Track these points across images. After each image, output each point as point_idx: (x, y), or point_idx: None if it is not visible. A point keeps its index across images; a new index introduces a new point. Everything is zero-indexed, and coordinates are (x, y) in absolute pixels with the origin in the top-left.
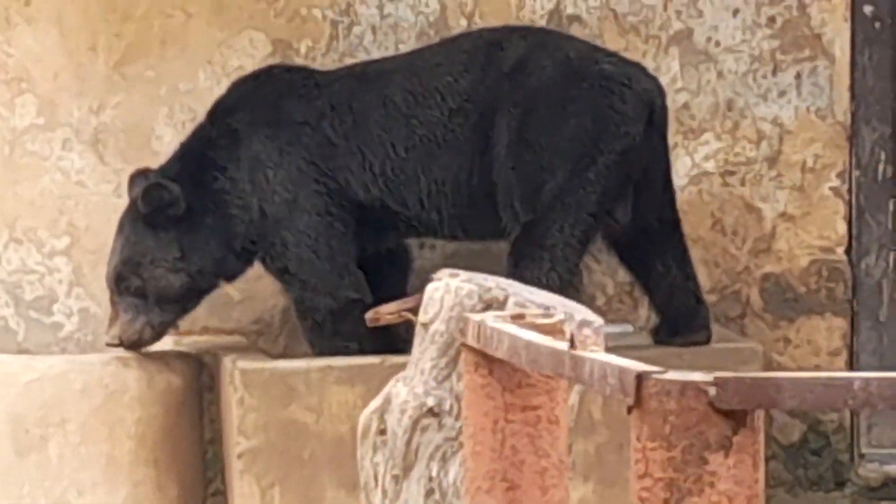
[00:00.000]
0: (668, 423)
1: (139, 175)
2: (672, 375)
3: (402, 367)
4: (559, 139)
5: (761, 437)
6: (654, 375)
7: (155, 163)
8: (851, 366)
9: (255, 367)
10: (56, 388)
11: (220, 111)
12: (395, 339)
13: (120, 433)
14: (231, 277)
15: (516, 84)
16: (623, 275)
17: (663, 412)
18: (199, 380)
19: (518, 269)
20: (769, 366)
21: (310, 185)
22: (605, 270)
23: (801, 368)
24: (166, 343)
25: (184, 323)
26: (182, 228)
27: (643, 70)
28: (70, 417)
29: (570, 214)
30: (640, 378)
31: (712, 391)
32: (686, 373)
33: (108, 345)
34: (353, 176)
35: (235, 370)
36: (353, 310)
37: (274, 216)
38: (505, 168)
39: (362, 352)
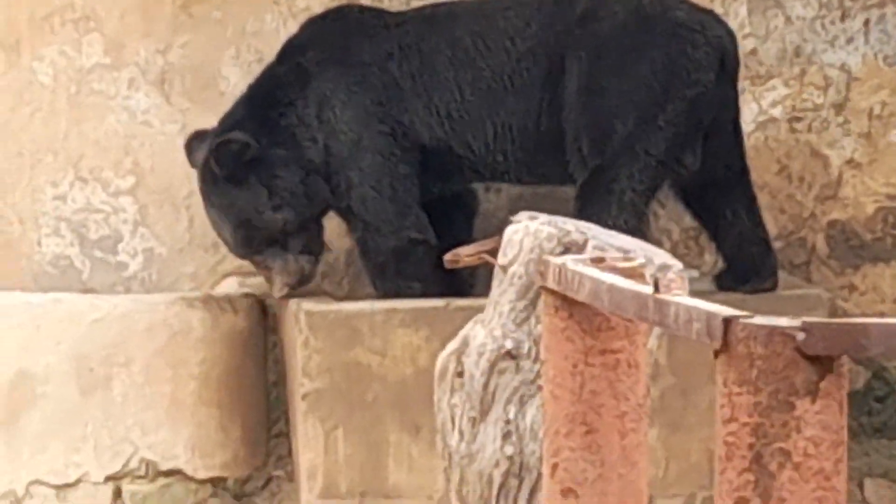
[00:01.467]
0: (755, 368)
1: (195, 138)
2: (759, 320)
3: (467, 310)
4: (629, 85)
5: (846, 384)
6: (742, 320)
7: (220, 104)
8: None
9: (320, 308)
10: (121, 328)
11: (290, 50)
12: (460, 283)
13: (184, 374)
14: (326, 196)
15: (587, 29)
16: (688, 220)
17: (750, 357)
18: (264, 321)
19: (584, 214)
20: (834, 313)
21: (375, 126)
22: (671, 216)
23: (865, 315)
24: (231, 284)
25: (247, 264)
26: (260, 170)
27: (715, 17)
28: (134, 357)
29: (639, 160)
30: (728, 322)
31: (800, 336)
32: (773, 318)
33: (282, 297)
34: (419, 118)
35: (300, 312)
36: (416, 250)
37: (339, 155)
38: (574, 113)
39: (425, 293)
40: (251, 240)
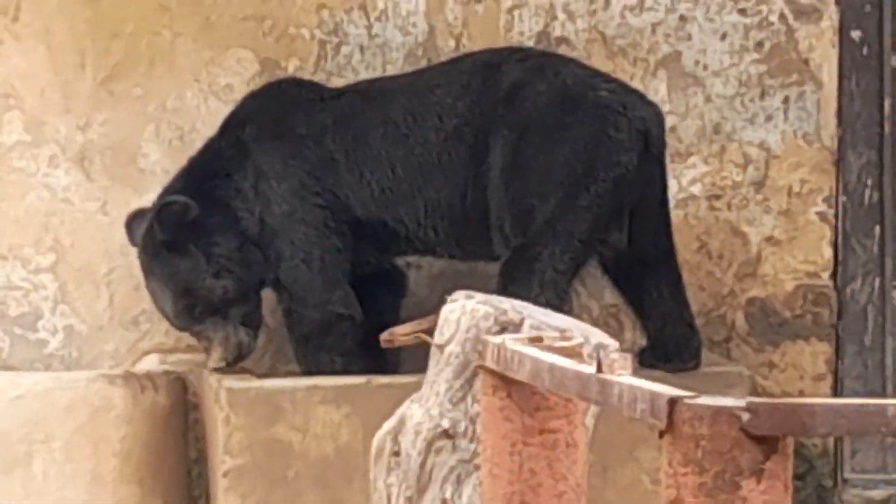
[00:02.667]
0: (700, 448)
1: (135, 217)
2: (705, 400)
3: (388, 387)
4: (552, 165)
5: (791, 464)
6: (687, 400)
7: (140, 180)
8: (836, 391)
9: (241, 385)
10: (41, 405)
11: (229, 124)
12: (382, 359)
13: (105, 451)
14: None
15: (511, 108)
16: (609, 297)
17: (696, 437)
18: (185, 398)
19: (507, 292)
20: (754, 390)
21: (309, 199)
22: (591, 293)
23: (785, 393)
24: (152, 361)
25: (168, 341)
26: (199, 238)
27: (641, 97)
28: (55, 435)
29: (561, 240)
30: (673, 403)
31: (745, 416)
32: (718, 398)
33: (216, 369)
34: (353, 192)
35: (221, 389)
36: (341, 325)
37: (272, 227)
38: (497, 191)
39: (347, 368)
40: (192, 308)
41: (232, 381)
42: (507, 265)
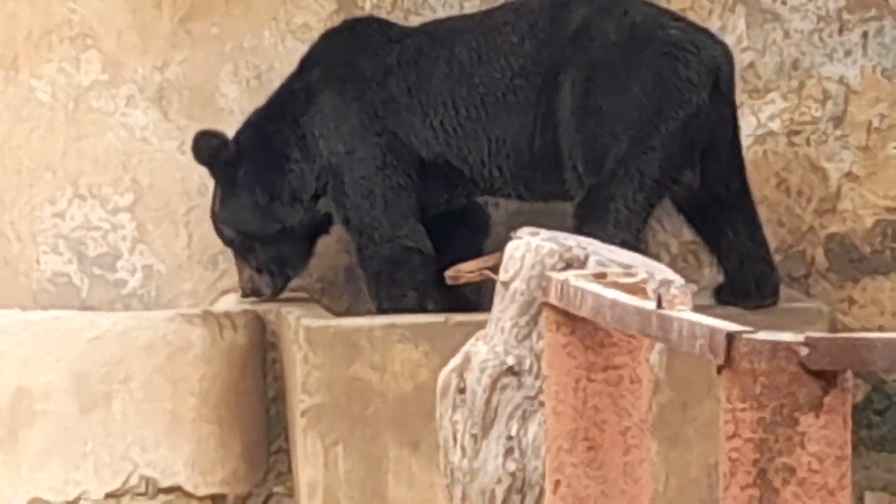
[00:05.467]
0: (758, 384)
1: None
2: (763, 336)
3: (466, 325)
4: (622, 105)
5: (850, 399)
6: (745, 336)
7: (218, 120)
8: None
9: (320, 324)
10: (120, 345)
11: (303, 65)
12: (457, 294)
13: (183, 390)
14: (315, 223)
15: (579, 48)
16: (687, 235)
17: (754, 372)
18: (263, 337)
19: (583, 233)
20: (834, 326)
21: (369, 139)
22: (670, 230)
23: (865, 329)
24: (230, 301)
25: None
26: (259, 177)
27: (710, 35)
28: (134, 374)
29: (634, 180)
30: (731, 338)
31: (803, 351)
32: (777, 333)
33: (242, 297)
34: (415, 132)
35: (300, 328)
36: (411, 259)
37: (336, 167)
38: (569, 132)
39: (422, 302)
40: (225, 238)
41: (310, 320)
42: (582, 206)
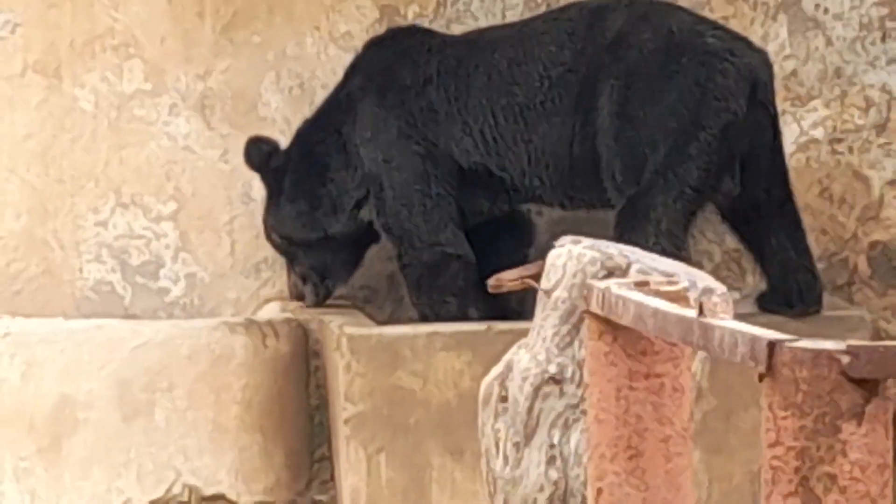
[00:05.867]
0: (800, 392)
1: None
2: (804, 344)
3: (508, 333)
4: (660, 114)
5: (892, 407)
6: (787, 344)
7: (261, 128)
8: None
9: (362, 332)
10: (163, 354)
11: (348, 73)
12: (499, 301)
13: (226, 399)
14: (359, 232)
15: (617, 56)
16: (730, 242)
17: (795, 380)
18: (306, 346)
19: (623, 241)
20: (877, 334)
21: (408, 147)
22: (713, 238)
23: None
24: (273, 309)
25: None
26: (302, 185)
27: (748, 44)
28: (177, 383)
29: (674, 188)
30: (773, 346)
31: (845, 359)
32: (818, 341)
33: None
34: (454, 141)
35: (342, 336)
36: (451, 264)
37: (376, 176)
38: (607, 140)
39: (464, 309)
40: (275, 244)
41: (353, 328)
42: (622, 215)
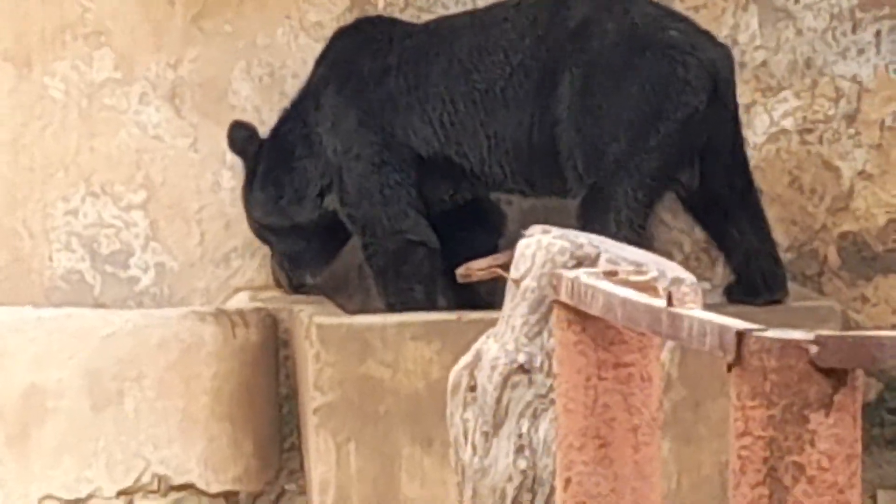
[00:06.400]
0: (768, 381)
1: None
2: (773, 333)
3: (479, 323)
4: (620, 105)
5: (860, 397)
6: (755, 333)
7: (231, 117)
8: None
9: (332, 322)
10: (132, 343)
11: (317, 63)
12: (469, 292)
13: (196, 388)
14: (327, 221)
15: (579, 45)
16: (699, 233)
17: (764, 370)
18: (276, 335)
19: (586, 231)
20: (847, 324)
21: (367, 137)
22: (683, 228)
23: (878, 327)
24: (242, 299)
25: (259, 278)
26: (270, 172)
27: (711, 38)
28: (146, 372)
29: (633, 179)
30: (741, 336)
31: (813, 349)
32: (786, 331)
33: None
34: (413, 129)
35: (312, 325)
36: (416, 251)
37: (337, 165)
38: (567, 130)
39: (430, 297)
40: (255, 230)
41: (322, 318)
42: (584, 205)
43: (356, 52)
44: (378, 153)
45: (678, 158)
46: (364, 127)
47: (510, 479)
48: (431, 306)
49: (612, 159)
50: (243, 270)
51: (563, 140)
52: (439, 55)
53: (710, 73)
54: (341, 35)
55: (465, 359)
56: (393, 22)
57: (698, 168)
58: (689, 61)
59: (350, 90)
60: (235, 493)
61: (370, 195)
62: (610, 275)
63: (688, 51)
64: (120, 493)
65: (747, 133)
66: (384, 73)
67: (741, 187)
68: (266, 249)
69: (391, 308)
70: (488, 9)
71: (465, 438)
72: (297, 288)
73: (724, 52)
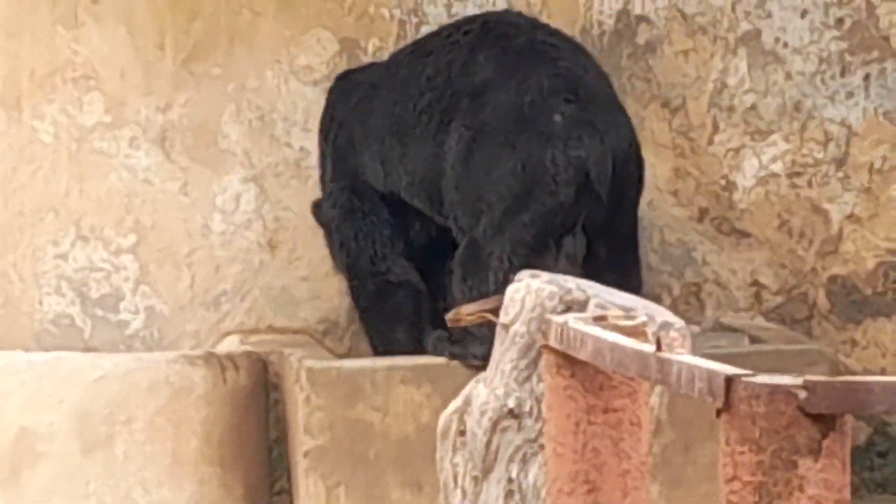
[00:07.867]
0: (757, 427)
1: None
2: (761, 379)
3: (467, 367)
4: (496, 179)
5: (849, 442)
6: (744, 379)
7: (221, 161)
8: None
9: (322, 366)
10: (122, 386)
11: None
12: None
13: (186, 432)
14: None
15: (473, 106)
16: (689, 275)
17: (752, 416)
18: (266, 379)
19: (467, 285)
20: (836, 368)
21: (340, 183)
22: (671, 271)
23: (867, 371)
24: (233, 342)
25: (249, 321)
26: None
27: (593, 128)
28: (136, 415)
29: (507, 246)
30: (730, 381)
31: (802, 395)
32: (775, 376)
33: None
34: (367, 168)
35: (301, 369)
36: (396, 291)
37: (326, 213)
38: (449, 185)
39: (412, 337)
40: None
41: (312, 362)
42: (462, 260)
43: (337, 101)
44: (348, 199)
45: (551, 233)
46: (337, 173)
47: None
48: (415, 348)
49: (487, 225)
50: (233, 314)
51: (446, 192)
52: (380, 89)
53: (578, 169)
54: (334, 84)
55: (455, 403)
56: (369, 67)
57: (581, 238)
58: (558, 157)
59: (329, 137)
60: None
61: (348, 241)
62: (599, 320)
63: (559, 146)
64: None
65: (736, 177)
66: (348, 117)
67: (622, 262)
68: (255, 292)
69: (374, 350)
70: (427, 38)
71: (455, 483)
72: None
73: (599, 147)
